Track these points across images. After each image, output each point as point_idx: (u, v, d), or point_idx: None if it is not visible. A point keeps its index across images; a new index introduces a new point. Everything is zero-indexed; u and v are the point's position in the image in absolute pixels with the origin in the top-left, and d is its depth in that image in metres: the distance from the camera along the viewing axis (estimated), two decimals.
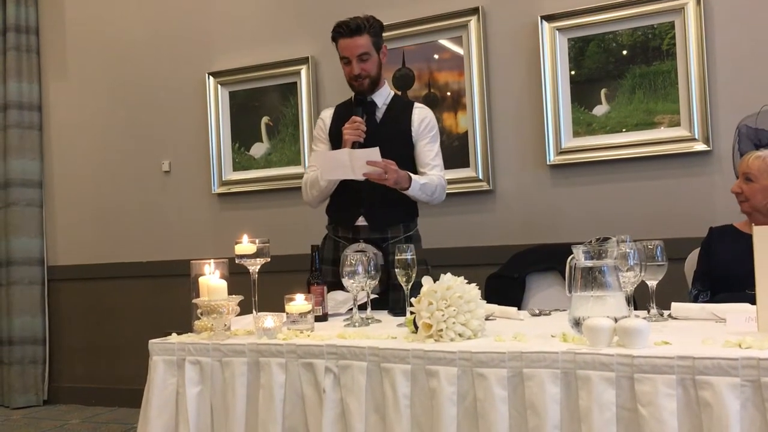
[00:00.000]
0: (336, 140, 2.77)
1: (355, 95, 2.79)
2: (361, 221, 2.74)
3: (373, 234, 2.71)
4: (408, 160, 2.76)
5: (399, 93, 3.44)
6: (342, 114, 2.83)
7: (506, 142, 3.58)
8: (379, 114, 2.79)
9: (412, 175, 2.66)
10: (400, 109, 2.83)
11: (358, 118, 2.67)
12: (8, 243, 4.63)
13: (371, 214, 2.72)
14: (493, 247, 3.44)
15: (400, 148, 2.74)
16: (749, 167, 2.39)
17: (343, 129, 2.68)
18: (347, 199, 2.77)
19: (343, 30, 2.71)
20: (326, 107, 3.96)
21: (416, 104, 2.87)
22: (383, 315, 2.33)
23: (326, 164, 2.64)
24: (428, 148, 2.78)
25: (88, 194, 4.67)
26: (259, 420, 1.83)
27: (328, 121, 2.88)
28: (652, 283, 1.96)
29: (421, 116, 2.80)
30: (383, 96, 2.82)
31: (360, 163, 2.52)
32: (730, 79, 3.21)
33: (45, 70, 4.80)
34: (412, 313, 1.82)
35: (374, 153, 2.52)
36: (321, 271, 2.36)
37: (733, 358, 1.38)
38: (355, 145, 2.62)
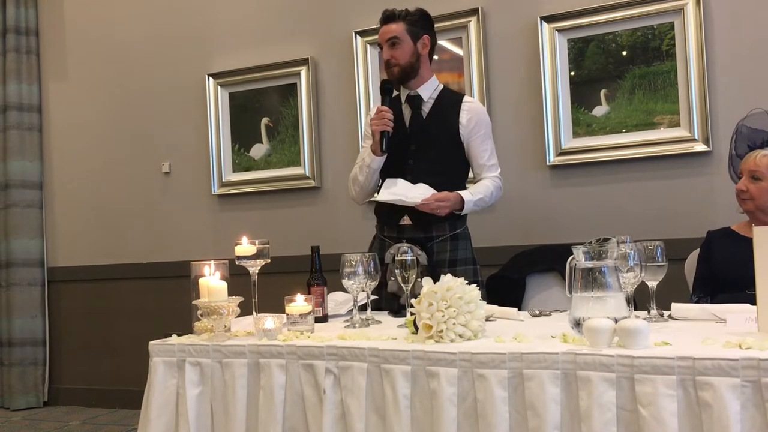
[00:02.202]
0: None
1: (381, 82, 2.74)
2: (405, 220, 2.70)
3: (418, 233, 2.66)
4: (457, 158, 2.74)
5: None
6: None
7: (506, 142, 3.57)
8: (426, 109, 2.73)
9: (464, 195, 2.63)
10: (448, 104, 2.75)
11: (384, 107, 2.62)
12: (8, 244, 4.63)
13: (415, 214, 2.66)
14: (494, 248, 3.44)
15: (448, 146, 2.70)
16: (757, 165, 2.37)
17: (370, 120, 2.65)
18: None
19: (381, 18, 2.74)
20: (324, 107, 4.01)
21: (465, 99, 2.79)
22: (383, 316, 2.33)
23: (387, 197, 2.62)
24: (482, 148, 2.73)
25: (88, 195, 4.67)
26: (259, 421, 1.83)
27: None
28: (652, 284, 1.95)
29: (470, 113, 2.73)
30: (429, 89, 2.75)
31: (413, 193, 2.56)
32: (729, 80, 3.21)
33: (45, 72, 4.80)
34: (412, 314, 1.82)
35: (427, 192, 2.57)
36: (321, 272, 2.36)
37: (733, 358, 1.38)
38: (385, 134, 2.59)
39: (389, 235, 2.74)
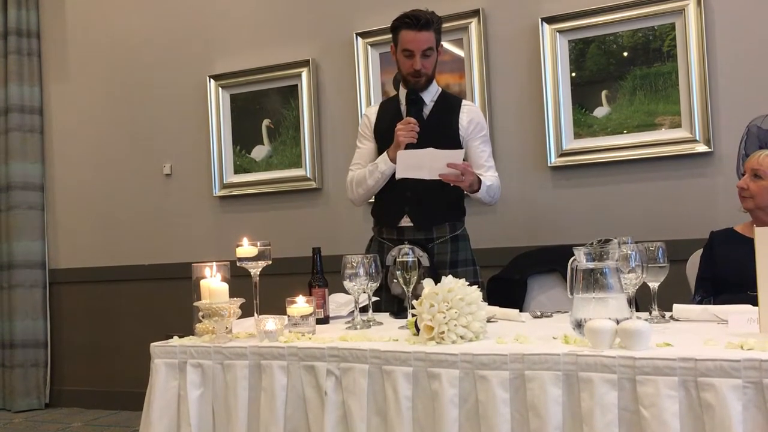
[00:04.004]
0: (382, 138, 2.74)
1: (407, 94, 2.73)
2: (405, 222, 2.69)
3: (418, 234, 2.66)
4: None
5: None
6: (388, 111, 2.79)
7: (507, 144, 3.58)
8: (426, 111, 2.74)
9: (480, 176, 2.65)
10: (448, 106, 2.77)
11: (413, 120, 2.62)
12: (10, 246, 4.63)
13: (416, 214, 2.67)
14: (495, 249, 3.44)
15: (448, 147, 2.68)
16: (760, 164, 2.38)
17: (396, 130, 2.62)
18: (391, 199, 2.72)
19: (412, 22, 2.64)
20: (325, 109, 4.01)
21: (464, 102, 2.83)
22: (385, 317, 2.33)
23: (404, 162, 2.54)
24: (481, 149, 2.76)
25: (89, 197, 4.67)
26: (260, 422, 1.83)
27: (373, 118, 2.83)
28: (653, 285, 1.95)
29: (470, 116, 2.77)
30: (431, 93, 2.76)
31: (440, 164, 2.50)
32: (730, 80, 3.21)
33: (46, 74, 4.80)
34: (413, 315, 1.82)
35: (458, 155, 2.52)
36: (322, 273, 2.35)
37: (735, 359, 1.38)
38: (408, 146, 2.58)
39: (388, 237, 2.73)
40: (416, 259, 2.14)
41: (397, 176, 2.59)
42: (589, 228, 3.35)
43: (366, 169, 2.76)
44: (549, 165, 3.50)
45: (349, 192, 2.86)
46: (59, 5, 4.77)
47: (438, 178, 2.53)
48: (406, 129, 2.60)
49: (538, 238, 3.48)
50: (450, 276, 1.80)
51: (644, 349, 1.49)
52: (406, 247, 2.24)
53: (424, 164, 2.52)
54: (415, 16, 2.65)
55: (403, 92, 2.78)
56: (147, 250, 4.48)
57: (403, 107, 2.75)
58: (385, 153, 2.69)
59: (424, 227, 2.69)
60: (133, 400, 3.42)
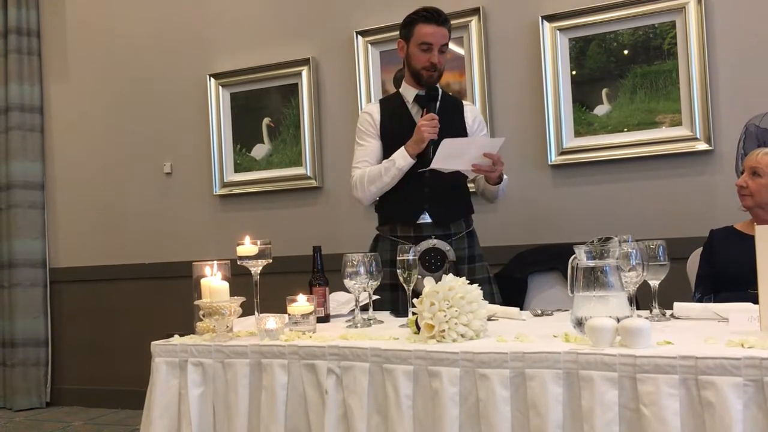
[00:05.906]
0: (389, 136, 2.72)
1: (427, 91, 2.71)
2: (423, 219, 2.68)
3: (437, 231, 2.66)
4: None
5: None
6: (392, 108, 2.78)
7: (507, 142, 3.54)
8: (432, 110, 2.74)
9: None
10: (452, 104, 2.80)
11: (435, 116, 2.61)
12: (10, 245, 4.64)
13: (436, 210, 2.67)
14: (495, 248, 3.44)
15: None
16: (758, 162, 2.39)
17: (419, 125, 2.59)
18: (409, 196, 2.68)
19: (433, 16, 2.65)
20: (325, 107, 4.01)
21: (464, 101, 2.90)
22: (385, 316, 2.33)
23: (445, 152, 2.49)
24: None
25: (89, 196, 4.68)
26: (261, 421, 1.83)
27: (377, 116, 2.78)
28: (654, 283, 1.95)
29: (473, 114, 2.83)
30: (437, 91, 2.78)
31: (477, 153, 2.52)
32: (731, 78, 3.21)
33: (46, 73, 4.81)
34: (414, 314, 1.82)
35: (499, 143, 2.57)
36: (323, 272, 2.35)
37: (735, 357, 1.38)
38: (431, 142, 2.57)
39: (404, 236, 2.67)
40: (414, 258, 2.14)
41: (433, 166, 2.54)
42: (589, 226, 3.35)
43: (380, 165, 2.69)
44: (549, 163, 3.50)
45: (357, 191, 2.76)
46: (59, 4, 4.77)
47: (470, 168, 2.54)
48: (430, 125, 2.58)
49: (539, 236, 3.48)
50: (450, 275, 1.81)
51: (645, 348, 1.49)
52: (405, 246, 2.23)
53: (463, 154, 2.52)
54: (436, 11, 2.67)
55: (405, 89, 2.76)
56: (147, 249, 4.48)
57: (409, 104, 2.74)
58: (402, 149, 2.63)
59: (442, 224, 2.68)
60: (134, 399, 3.42)
